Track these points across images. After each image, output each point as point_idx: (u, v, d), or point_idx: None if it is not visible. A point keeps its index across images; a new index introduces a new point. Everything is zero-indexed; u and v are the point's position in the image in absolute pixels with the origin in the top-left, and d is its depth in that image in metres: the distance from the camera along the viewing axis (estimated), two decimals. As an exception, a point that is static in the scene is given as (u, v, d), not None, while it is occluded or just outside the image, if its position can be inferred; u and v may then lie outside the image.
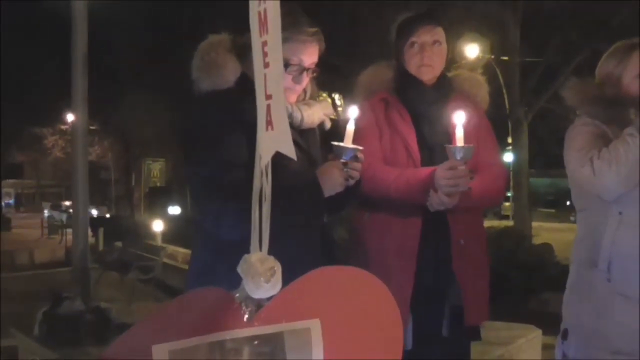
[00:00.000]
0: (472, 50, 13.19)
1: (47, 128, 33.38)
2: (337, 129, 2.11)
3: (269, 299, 1.21)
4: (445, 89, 2.48)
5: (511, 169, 15.65)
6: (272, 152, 1.23)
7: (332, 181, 1.95)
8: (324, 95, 2.17)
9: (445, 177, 2.21)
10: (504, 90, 13.85)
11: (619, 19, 12.45)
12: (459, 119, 2.11)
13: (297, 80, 2.01)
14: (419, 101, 2.44)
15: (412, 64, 2.44)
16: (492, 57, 13.84)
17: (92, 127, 19.52)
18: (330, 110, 2.14)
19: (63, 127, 31.85)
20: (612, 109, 2.27)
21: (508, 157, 15.83)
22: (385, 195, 2.33)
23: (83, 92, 6.71)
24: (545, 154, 16.04)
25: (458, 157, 2.14)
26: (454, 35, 11.85)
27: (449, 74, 2.55)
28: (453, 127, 2.13)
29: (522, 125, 13.84)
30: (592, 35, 12.76)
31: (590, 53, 12.80)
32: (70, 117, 25.11)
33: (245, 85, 1.93)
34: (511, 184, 14.47)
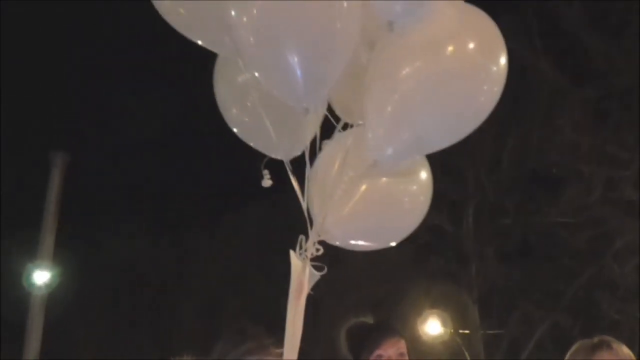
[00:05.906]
0: (433, 327, 13.10)
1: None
2: None
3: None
4: None
5: None
6: None
7: None
8: None
9: None
10: (472, 369, 13.54)
11: (572, 290, 12.89)
12: None
13: None
14: None
15: None
16: (454, 331, 13.79)
17: None
18: None
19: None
20: None
21: None
22: None
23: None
24: None
25: None
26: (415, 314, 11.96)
27: None
28: None
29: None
30: (548, 307, 13.05)
31: (551, 325, 12.96)
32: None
33: None
34: None
